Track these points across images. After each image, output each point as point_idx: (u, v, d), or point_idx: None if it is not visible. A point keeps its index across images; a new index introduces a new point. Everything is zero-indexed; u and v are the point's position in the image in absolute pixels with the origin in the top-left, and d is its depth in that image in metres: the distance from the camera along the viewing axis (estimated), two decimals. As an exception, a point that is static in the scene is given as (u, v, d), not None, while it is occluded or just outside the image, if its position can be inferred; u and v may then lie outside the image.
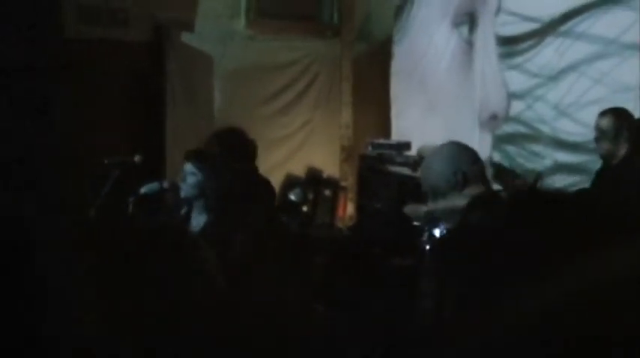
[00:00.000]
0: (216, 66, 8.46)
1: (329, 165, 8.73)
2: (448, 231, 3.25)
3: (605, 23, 6.25)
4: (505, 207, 3.28)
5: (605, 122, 4.98)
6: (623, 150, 4.91)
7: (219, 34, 8.46)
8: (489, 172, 6.43)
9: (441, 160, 3.21)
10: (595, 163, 5.37)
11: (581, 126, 6.05)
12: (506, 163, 6.57)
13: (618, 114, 5.02)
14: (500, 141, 7.36)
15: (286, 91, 8.74)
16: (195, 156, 4.72)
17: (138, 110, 7.93)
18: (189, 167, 4.62)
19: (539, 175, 5.39)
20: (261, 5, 8.65)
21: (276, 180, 8.51)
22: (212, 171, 4.62)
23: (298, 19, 8.83)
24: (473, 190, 3.12)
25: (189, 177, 4.59)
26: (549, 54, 6.78)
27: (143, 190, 4.96)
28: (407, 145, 7.91)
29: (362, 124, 8.87)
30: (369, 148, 8.04)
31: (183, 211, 4.78)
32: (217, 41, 8.45)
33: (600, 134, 4.99)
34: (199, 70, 8.42)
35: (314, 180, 8.51)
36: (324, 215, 7.98)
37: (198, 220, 4.63)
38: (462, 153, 3.24)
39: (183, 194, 4.68)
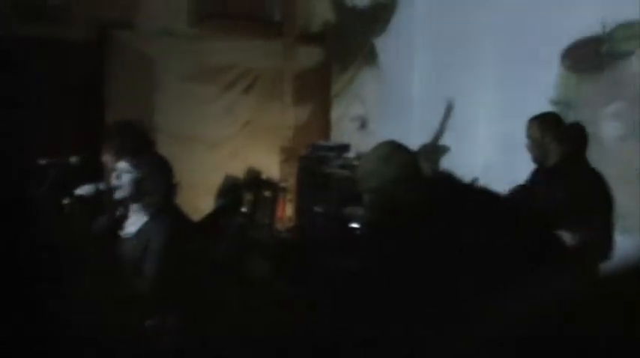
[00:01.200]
0: (158, 66, 8.37)
1: (269, 166, 8.69)
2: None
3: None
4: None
5: (534, 129, 5.01)
6: (554, 157, 4.95)
7: (162, 34, 8.36)
8: (428, 171, 6.50)
9: (376, 160, 3.18)
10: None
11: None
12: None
13: (546, 120, 5.05)
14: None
15: (228, 92, 8.67)
16: (131, 152, 4.55)
17: (77, 110, 7.79)
18: (123, 165, 4.43)
19: (475, 179, 5.41)
20: (203, 5, 8.56)
21: (217, 181, 8.45)
22: (151, 167, 4.47)
23: (241, 20, 8.76)
24: (419, 191, 3.11)
25: (124, 175, 4.40)
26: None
27: (78, 192, 4.81)
28: (346, 147, 7.91)
29: (303, 126, 8.85)
30: (309, 150, 8.03)
31: (118, 213, 4.64)
32: (159, 41, 8.34)
33: (530, 141, 5.03)
34: (140, 70, 8.30)
35: (254, 181, 8.45)
36: (264, 216, 7.93)
37: (135, 221, 4.49)
38: (398, 153, 3.22)
39: (118, 194, 4.46)
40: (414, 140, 7.39)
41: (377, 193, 3.19)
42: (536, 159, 5.06)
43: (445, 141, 7.44)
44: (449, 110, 7.42)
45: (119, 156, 4.67)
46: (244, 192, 8.21)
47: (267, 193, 8.12)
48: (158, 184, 4.40)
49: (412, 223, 3.03)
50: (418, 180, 3.16)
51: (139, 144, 4.98)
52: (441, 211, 2.92)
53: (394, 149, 3.23)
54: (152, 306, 4.48)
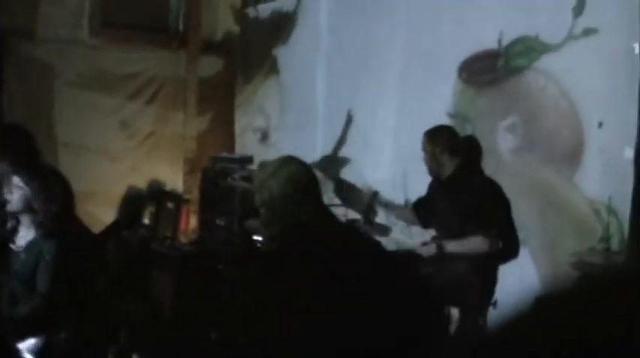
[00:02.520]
0: (58, 75, 8.16)
1: (173, 177, 8.57)
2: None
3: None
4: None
5: (428, 142, 5.02)
6: (449, 169, 4.97)
7: (62, 43, 8.15)
8: (330, 187, 6.48)
9: (267, 174, 3.14)
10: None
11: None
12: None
13: (439, 134, 5.06)
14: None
15: (130, 102, 8.52)
16: (25, 169, 4.48)
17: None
18: (16, 180, 4.36)
19: (375, 193, 5.41)
20: (105, 14, 8.38)
21: (119, 193, 8.26)
22: (41, 186, 4.40)
23: (144, 30, 8.62)
24: (308, 210, 3.07)
25: (16, 190, 4.35)
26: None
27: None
28: (249, 159, 7.85)
29: (206, 138, 8.76)
30: (212, 162, 7.93)
31: (9, 225, 4.54)
32: (59, 50, 8.13)
33: (425, 154, 5.04)
34: (39, 79, 8.08)
35: (156, 192, 8.29)
36: (167, 228, 7.79)
37: (25, 235, 4.41)
38: (287, 167, 3.18)
39: (10, 208, 4.41)
40: (316, 152, 7.39)
41: (267, 207, 3.15)
42: (431, 172, 5.10)
43: (348, 152, 7.44)
44: (349, 121, 7.44)
45: (7, 162, 4.58)
46: (147, 203, 8.05)
47: (170, 205, 7.97)
48: (48, 204, 4.33)
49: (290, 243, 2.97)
50: (308, 196, 3.12)
51: (24, 147, 4.88)
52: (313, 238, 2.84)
53: (284, 163, 3.19)
54: (43, 322, 4.38)
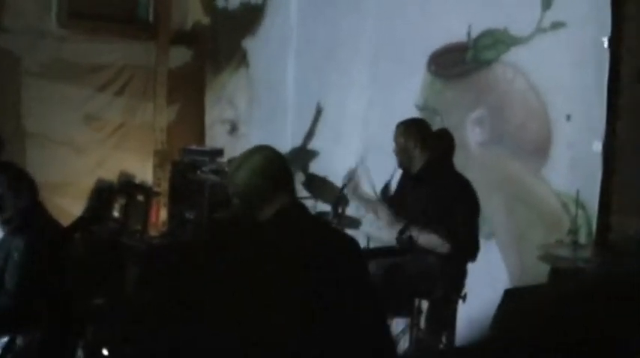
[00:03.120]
0: (26, 66, 8.03)
1: (142, 170, 8.49)
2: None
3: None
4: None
5: (400, 134, 4.96)
6: (419, 162, 4.92)
7: (29, 34, 8.03)
8: (300, 180, 6.44)
9: (249, 168, 3.07)
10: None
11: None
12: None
13: (411, 126, 5.01)
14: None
15: (99, 94, 8.41)
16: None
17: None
18: None
19: (344, 184, 5.36)
20: (73, 5, 8.26)
21: (88, 185, 8.18)
22: (8, 182, 4.35)
23: (113, 21, 8.51)
24: (281, 201, 3.02)
25: None
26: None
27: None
28: (219, 152, 7.78)
29: (176, 130, 8.68)
30: (182, 154, 7.86)
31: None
32: (27, 41, 8.00)
33: (396, 146, 4.99)
34: (6, 70, 7.95)
35: (126, 185, 8.22)
36: (137, 222, 7.71)
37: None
38: (271, 158, 3.12)
39: None
40: (285, 144, 7.34)
41: (239, 197, 3.10)
42: (401, 164, 5.04)
43: (318, 144, 7.40)
44: (318, 114, 7.39)
45: None
46: (116, 196, 7.97)
47: (140, 198, 7.89)
48: (15, 202, 4.30)
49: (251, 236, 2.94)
50: (280, 185, 3.06)
51: None
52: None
53: (255, 151, 3.13)
54: (10, 321, 4.33)
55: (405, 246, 4.78)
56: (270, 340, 2.82)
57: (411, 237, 4.75)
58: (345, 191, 5.38)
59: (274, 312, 2.84)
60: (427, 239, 4.71)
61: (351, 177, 5.30)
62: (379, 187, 5.28)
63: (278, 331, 2.83)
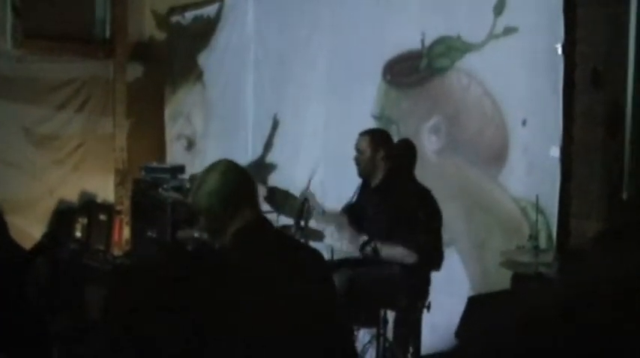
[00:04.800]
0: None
1: (104, 189, 8.36)
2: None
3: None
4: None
5: (363, 143, 4.88)
6: (381, 172, 4.85)
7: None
8: (262, 193, 6.33)
9: (212, 182, 2.98)
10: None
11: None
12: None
13: (375, 135, 4.94)
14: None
15: (57, 114, 8.24)
16: None
17: None
18: None
19: (306, 199, 5.28)
20: (28, 25, 8.11)
21: (49, 206, 8.04)
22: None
23: (69, 40, 8.37)
24: (245, 215, 2.94)
25: None
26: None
27: None
28: (181, 169, 7.66)
29: (137, 148, 8.55)
30: (143, 172, 7.73)
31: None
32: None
33: (358, 154, 4.90)
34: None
35: (88, 205, 8.09)
36: (99, 241, 7.58)
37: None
38: (233, 173, 3.04)
39: None
40: (243, 159, 7.23)
41: (203, 213, 3.01)
42: (362, 173, 4.93)
43: (277, 158, 7.29)
44: (275, 126, 7.30)
45: None
46: (78, 216, 7.84)
47: (102, 217, 7.77)
48: None
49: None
50: (244, 198, 2.98)
51: None
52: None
53: (216, 165, 3.05)
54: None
55: (370, 257, 4.72)
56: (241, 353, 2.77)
57: (375, 249, 4.68)
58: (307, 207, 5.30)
59: (243, 327, 2.78)
60: (393, 250, 4.63)
61: (305, 198, 5.23)
62: (341, 199, 5.23)
63: (248, 344, 2.77)
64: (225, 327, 2.79)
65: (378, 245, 4.65)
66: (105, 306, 6.41)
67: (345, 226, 4.95)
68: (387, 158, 4.86)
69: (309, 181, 5.19)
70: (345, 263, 4.91)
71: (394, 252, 4.65)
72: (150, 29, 8.85)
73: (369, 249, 4.69)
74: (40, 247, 6.41)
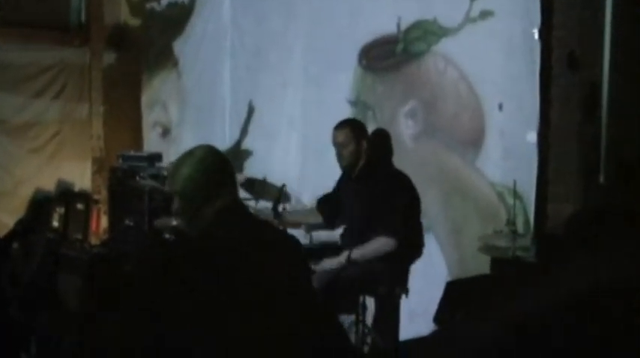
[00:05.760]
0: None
1: (81, 177, 8.26)
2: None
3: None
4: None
5: (339, 135, 4.79)
6: (360, 162, 4.78)
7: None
8: (240, 181, 6.27)
9: (190, 166, 2.92)
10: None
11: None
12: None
13: (355, 126, 4.88)
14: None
15: (33, 102, 8.15)
16: None
17: None
18: None
19: (283, 185, 5.22)
20: (2, 13, 8.03)
21: (26, 195, 7.95)
22: None
23: (44, 28, 8.27)
24: (223, 200, 2.88)
25: None
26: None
27: None
28: (158, 157, 7.57)
29: (114, 135, 8.45)
30: (120, 160, 7.63)
31: None
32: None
33: (336, 147, 4.82)
34: None
35: (65, 193, 7.98)
36: (76, 231, 7.48)
37: None
38: (211, 157, 2.98)
39: None
40: (222, 146, 7.15)
41: (179, 197, 2.94)
42: (346, 167, 4.87)
43: (253, 146, 7.19)
44: (250, 113, 7.23)
45: None
46: (55, 205, 7.73)
47: (79, 206, 7.66)
48: None
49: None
50: (220, 182, 2.92)
51: None
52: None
53: (192, 150, 2.98)
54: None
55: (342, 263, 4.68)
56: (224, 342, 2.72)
57: (350, 258, 4.63)
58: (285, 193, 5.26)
59: (224, 313, 2.74)
60: (369, 246, 4.58)
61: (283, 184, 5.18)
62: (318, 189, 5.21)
63: (229, 330, 2.73)
64: (208, 315, 2.74)
65: (353, 252, 4.60)
66: (82, 297, 6.35)
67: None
68: (363, 148, 4.79)
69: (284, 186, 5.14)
70: (325, 248, 4.89)
71: (375, 245, 4.60)
72: (125, 16, 8.74)
73: (341, 257, 4.66)
74: (13, 234, 6.33)
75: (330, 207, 5.06)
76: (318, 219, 5.22)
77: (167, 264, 2.91)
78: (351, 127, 4.85)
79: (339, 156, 4.84)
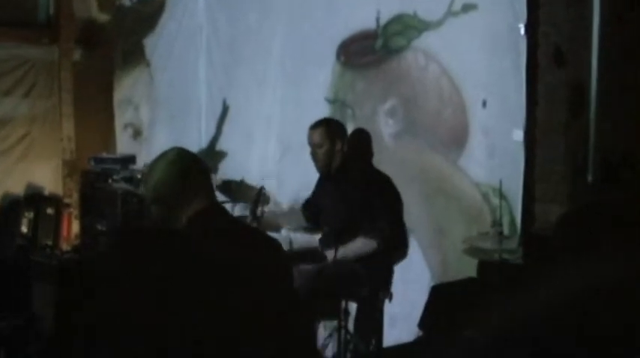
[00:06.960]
0: None
1: (52, 180, 8.11)
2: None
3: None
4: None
5: (314, 136, 4.75)
6: (336, 163, 4.74)
7: None
8: (215, 182, 6.16)
9: (163, 170, 2.83)
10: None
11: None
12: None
13: (330, 125, 4.82)
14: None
15: (4, 100, 8.02)
16: None
17: None
18: None
19: (262, 187, 5.16)
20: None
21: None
22: None
23: (11, 25, 8.11)
24: (199, 203, 2.79)
25: None
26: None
27: None
28: (132, 159, 7.45)
29: (85, 137, 8.30)
30: (92, 163, 7.50)
31: None
32: None
33: (312, 148, 4.77)
34: None
35: (34, 198, 7.86)
36: (47, 236, 7.36)
37: None
38: (185, 160, 2.89)
39: None
40: (198, 146, 7.05)
41: (156, 202, 2.85)
42: (321, 168, 4.80)
43: (229, 145, 7.09)
44: (225, 112, 7.13)
45: None
46: (24, 210, 7.62)
47: (49, 211, 7.55)
48: None
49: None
50: (196, 184, 2.83)
51: None
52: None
53: (165, 152, 2.90)
54: None
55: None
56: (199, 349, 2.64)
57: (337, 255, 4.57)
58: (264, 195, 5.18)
59: (202, 315, 2.65)
60: (355, 246, 4.55)
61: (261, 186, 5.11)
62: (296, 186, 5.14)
63: (206, 334, 2.64)
64: (187, 317, 2.66)
65: (340, 251, 4.52)
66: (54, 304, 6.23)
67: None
68: (340, 148, 4.75)
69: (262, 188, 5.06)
70: (305, 253, 4.82)
71: (357, 246, 4.57)
72: (95, 12, 8.59)
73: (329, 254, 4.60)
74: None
75: (312, 211, 5.02)
76: (299, 221, 5.16)
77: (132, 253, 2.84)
78: (326, 127, 4.79)
79: (314, 157, 4.80)
